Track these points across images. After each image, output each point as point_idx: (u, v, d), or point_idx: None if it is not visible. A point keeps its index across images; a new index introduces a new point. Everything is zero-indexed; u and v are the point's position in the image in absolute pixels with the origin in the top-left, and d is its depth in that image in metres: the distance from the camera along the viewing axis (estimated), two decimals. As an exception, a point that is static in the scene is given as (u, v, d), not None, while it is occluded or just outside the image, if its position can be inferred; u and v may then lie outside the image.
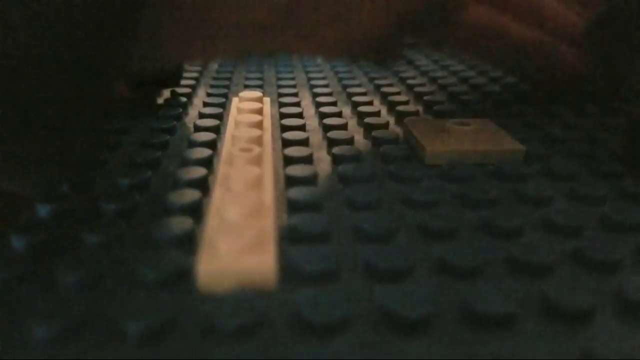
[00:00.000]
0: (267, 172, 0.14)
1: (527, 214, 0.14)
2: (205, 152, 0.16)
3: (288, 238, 0.12)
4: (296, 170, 0.15)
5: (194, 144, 0.18)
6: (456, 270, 0.11)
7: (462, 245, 0.12)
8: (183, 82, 0.26)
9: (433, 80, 0.28)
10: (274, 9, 0.16)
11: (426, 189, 0.14)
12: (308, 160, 0.16)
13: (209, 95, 0.24)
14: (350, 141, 0.18)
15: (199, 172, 0.15)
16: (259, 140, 0.16)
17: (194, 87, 0.26)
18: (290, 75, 0.28)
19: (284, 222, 0.13)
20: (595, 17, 0.17)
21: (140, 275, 0.10)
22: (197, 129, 0.19)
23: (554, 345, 0.09)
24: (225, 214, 0.12)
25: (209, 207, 0.12)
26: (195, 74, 0.28)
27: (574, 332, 0.10)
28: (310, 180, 0.15)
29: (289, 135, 0.18)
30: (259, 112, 0.19)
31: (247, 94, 0.20)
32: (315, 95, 0.24)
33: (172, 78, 0.23)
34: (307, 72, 0.29)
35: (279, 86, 0.26)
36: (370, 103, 0.23)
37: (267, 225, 0.11)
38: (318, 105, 0.23)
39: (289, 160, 0.16)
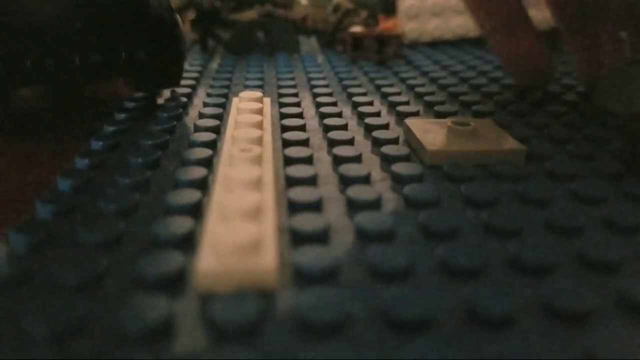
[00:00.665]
0: (267, 172, 0.14)
1: (528, 214, 0.14)
2: (205, 152, 0.16)
3: (288, 238, 0.12)
4: (296, 170, 0.15)
5: (194, 144, 0.18)
6: (457, 270, 0.11)
7: (463, 246, 0.12)
8: (183, 82, 0.26)
9: (433, 80, 0.28)
10: None
11: (427, 189, 0.14)
12: (308, 160, 0.16)
13: (209, 95, 0.24)
14: (350, 141, 0.18)
15: (199, 172, 0.15)
16: (259, 141, 0.16)
17: (194, 87, 0.26)
18: (291, 76, 0.28)
19: (284, 223, 0.13)
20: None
21: (140, 275, 0.10)
22: (197, 129, 0.19)
23: (556, 345, 0.09)
24: (225, 214, 0.12)
25: (209, 207, 0.12)
26: (195, 74, 0.28)
27: (575, 333, 0.09)
28: (311, 180, 0.15)
29: (289, 135, 0.18)
30: (259, 112, 0.19)
31: (247, 94, 0.20)
32: (315, 95, 0.24)
33: (172, 78, 0.23)
34: (307, 73, 0.29)
35: (279, 86, 0.26)
36: (370, 103, 0.23)
37: (267, 225, 0.11)
38: (318, 105, 0.23)
39: (289, 161, 0.16)
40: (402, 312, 0.09)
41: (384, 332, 0.09)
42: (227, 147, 0.16)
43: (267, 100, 0.21)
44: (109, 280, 0.11)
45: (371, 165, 0.17)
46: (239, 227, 0.11)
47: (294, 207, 0.13)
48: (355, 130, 0.20)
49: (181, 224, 0.12)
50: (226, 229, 0.11)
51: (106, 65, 0.20)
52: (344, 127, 0.20)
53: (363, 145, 0.18)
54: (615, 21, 0.22)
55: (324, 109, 0.21)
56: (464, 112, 0.23)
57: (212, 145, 0.18)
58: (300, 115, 0.21)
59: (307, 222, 0.12)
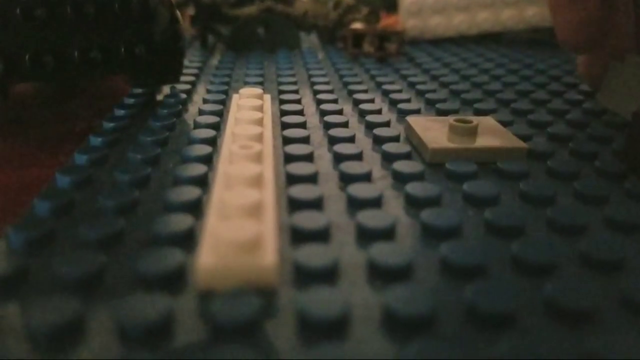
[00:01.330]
0: (268, 169, 0.14)
1: (530, 212, 0.14)
2: (205, 149, 0.16)
3: (288, 236, 0.12)
4: (297, 168, 0.15)
5: (193, 141, 0.17)
6: (458, 269, 0.11)
7: (464, 244, 0.11)
8: (183, 78, 0.26)
9: (435, 77, 0.28)
10: None
11: (428, 187, 0.14)
12: (309, 158, 0.16)
13: (208, 91, 0.24)
14: (351, 139, 0.18)
15: (199, 169, 0.15)
16: (259, 138, 0.16)
17: (193, 84, 0.25)
18: (291, 72, 0.28)
19: (284, 220, 0.13)
20: None
21: (139, 273, 0.10)
22: (197, 125, 0.19)
23: (558, 345, 0.09)
24: (225, 211, 0.12)
25: (209, 204, 0.12)
26: (195, 70, 0.28)
27: (577, 332, 0.09)
28: (311, 178, 0.15)
29: (290, 132, 0.18)
30: (260, 109, 0.19)
31: (247, 90, 0.20)
32: (316, 92, 0.24)
33: (172, 74, 0.23)
34: (307, 69, 0.29)
35: (280, 83, 0.26)
36: (371, 101, 0.23)
37: (268, 223, 0.11)
38: (319, 102, 0.22)
39: (289, 158, 0.16)
40: (403, 311, 0.09)
41: (384, 331, 0.09)
42: (227, 144, 0.16)
43: (267, 97, 0.21)
44: (108, 278, 0.11)
45: (372, 162, 0.17)
46: (239, 224, 0.11)
47: (294, 205, 0.13)
48: (356, 128, 0.20)
49: (181, 221, 0.12)
50: (226, 227, 0.11)
51: (106, 61, 0.20)
52: (345, 125, 0.19)
53: (364, 143, 0.18)
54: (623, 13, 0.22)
55: (324, 106, 0.21)
56: (465, 110, 0.22)
57: (212, 142, 0.18)
58: (300, 113, 0.21)
59: (307, 219, 0.12)
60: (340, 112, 0.21)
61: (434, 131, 0.18)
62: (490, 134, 0.18)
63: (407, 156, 0.17)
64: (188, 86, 0.24)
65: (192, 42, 0.37)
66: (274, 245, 0.11)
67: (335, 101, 0.22)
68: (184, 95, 0.23)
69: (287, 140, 0.18)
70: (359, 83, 0.26)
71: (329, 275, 0.11)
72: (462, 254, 0.11)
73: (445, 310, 0.10)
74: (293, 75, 0.27)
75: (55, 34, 0.19)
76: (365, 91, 0.24)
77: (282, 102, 0.22)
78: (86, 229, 0.12)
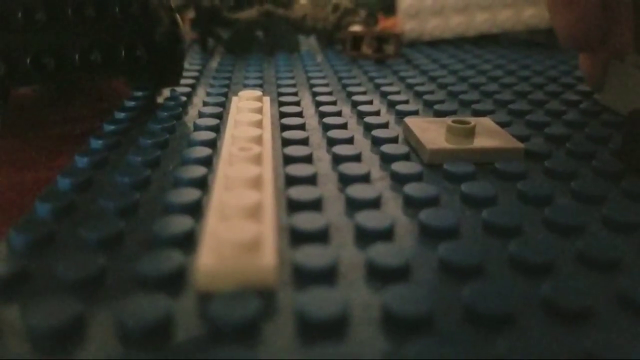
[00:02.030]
0: (267, 171, 0.14)
1: (528, 212, 0.14)
2: (204, 151, 0.16)
3: (288, 237, 0.12)
4: (296, 169, 0.15)
5: (193, 143, 0.18)
6: (457, 269, 0.11)
7: (462, 244, 0.12)
8: (183, 81, 0.26)
9: (433, 79, 0.28)
10: None
11: (426, 188, 0.14)
12: (308, 159, 0.16)
13: (208, 94, 0.24)
14: (350, 140, 0.18)
15: (199, 171, 0.15)
16: (258, 140, 0.16)
17: (193, 86, 0.26)
18: (290, 75, 0.28)
19: (283, 222, 0.13)
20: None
21: (140, 274, 0.10)
22: (197, 128, 0.19)
23: (555, 344, 0.09)
24: (225, 213, 0.12)
25: (209, 206, 0.12)
26: (195, 73, 0.28)
27: (575, 332, 0.09)
28: (310, 179, 0.15)
29: (289, 134, 0.18)
30: (259, 111, 0.19)
31: (246, 93, 0.20)
32: (315, 94, 0.24)
33: (172, 77, 0.23)
34: (306, 72, 0.29)
35: (279, 85, 0.26)
36: (370, 102, 0.23)
37: (267, 224, 0.11)
38: (318, 104, 0.23)
39: (288, 160, 0.16)
40: (402, 311, 0.09)
41: (383, 331, 0.09)
42: (227, 146, 0.16)
43: (266, 99, 0.21)
44: (109, 279, 0.11)
45: (371, 164, 0.17)
46: (238, 225, 0.11)
47: (294, 206, 0.13)
48: (354, 129, 0.20)
49: (181, 223, 0.12)
50: (226, 228, 0.11)
51: (106, 64, 0.20)
52: (344, 126, 0.20)
53: (362, 144, 0.18)
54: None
55: (323, 108, 0.21)
56: (463, 111, 0.23)
57: (212, 144, 0.18)
58: (299, 114, 0.21)
59: (306, 221, 0.12)
60: (339, 113, 0.21)
61: (432, 132, 0.18)
62: (488, 134, 0.18)
63: (405, 157, 0.17)
64: (188, 89, 0.24)
65: (192, 45, 0.37)
66: (274, 246, 0.11)
67: (334, 103, 0.23)
68: (184, 98, 0.23)
69: (286, 142, 0.18)
70: (358, 85, 0.26)
71: (328, 275, 0.11)
72: (461, 254, 0.11)
73: (444, 310, 0.10)
74: (292, 78, 0.27)
75: (56, 37, 0.19)
76: (364, 93, 0.24)
77: (281, 104, 0.23)
78: (87, 231, 0.12)
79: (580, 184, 0.15)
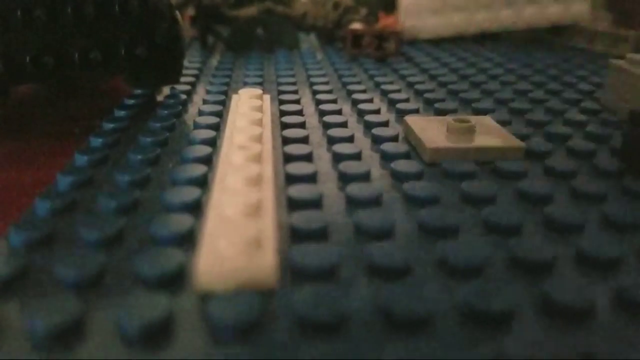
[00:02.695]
0: (267, 169, 0.14)
1: (528, 211, 0.14)
2: (204, 150, 0.16)
3: (288, 236, 0.12)
4: (296, 167, 0.15)
5: (193, 142, 0.18)
6: (456, 268, 0.11)
7: (462, 243, 0.12)
8: (183, 79, 0.26)
9: (433, 77, 0.28)
10: None
11: (426, 187, 0.14)
12: (308, 157, 0.16)
13: (208, 92, 0.24)
14: (350, 139, 0.18)
15: (199, 169, 0.15)
16: (258, 138, 0.16)
17: (193, 85, 0.25)
18: (290, 73, 0.28)
19: (283, 220, 0.13)
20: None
21: (139, 273, 0.10)
22: (197, 126, 0.19)
23: (555, 344, 0.09)
24: (225, 211, 0.12)
25: (209, 204, 0.12)
26: (194, 71, 0.28)
27: (574, 331, 0.09)
28: (310, 178, 0.15)
29: (289, 132, 0.18)
30: (259, 109, 0.19)
31: (246, 91, 0.20)
32: (315, 92, 0.24)
33: (172, 75, 0.23)
34: (307, 70, 0.29)
35: (279, 83, 0.26)
36: (370, 101, 0.23)
37: (267, 223, 0.11)
38: (318, 102, 0.22)
39: (288, 158, 0.16)
40: (401, 311, 0.09)
41: (383, 330, 0.09)
42: (227, 144, 0.16)
43: (266, 97, 0.21)
44: (108, 278, 0.11)
45: (371, 162, 0.17)
46: (238, 224, 0.11)
47: (294, 205, 0.13)
48: (354, 128, 0.20)
49: (181, 222, 0.12)
50: (226, 227, 0.11)
51: (106, 62, 0.20)
52: (344, 125, 0.20)
53: (363, 143, 0.18)
54: None
55: (323, 107, 0.21)
56: (463, 110, 0.23)
57: (212, 142, 0.18)
58: (299, 113, 0.21)
59: (306, 219, 0.12)
60: (339, 112, 0.21)
61: (432, 131, 0.18)
62: (488, 133, 0.18)
63: (405, 156, 0.17)
64: (188, 87, 0.24)
65: (191, 43, 0.37)
66: (274, 245, 0.11)
67: (334, 101, 0.22)
68: (183, 96, 0.23)
69: (286, 140, 0.18)
70: (358, 83, 0.26)
71: (327, 274, 0.11)
72: (460, 253, 0.11)
73: (443, 309, 0.10)
74: (292, 76, 0.27)
75: (56, 35, 0.19)
76: (364, 91, 0.24)
77: (281, 102, 0.23)
78: (86, 229, 0.12)
79: (580, 183, 0.15)
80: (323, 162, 0.16)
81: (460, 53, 0.35)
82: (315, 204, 0.13)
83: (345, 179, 0.15)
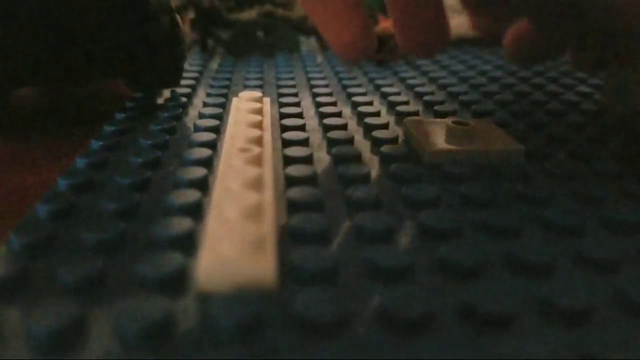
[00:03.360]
0: (267, 172, 0.14)
1: (527, 213, 0.14)
2: (205, 152, 0.16)
3: (288, 238, 0.12)
4: (296, 170, 0.15)
5: (193, 144, 0.18)
6: (456, 270, 0.11)
7: (462, 245, 0.12)
8: (183, 82, 0.26)
9: (433, 80, 0.28)
10: None
11: (426, 189, 0.14)
12: (308, 160, 0.16)
13: (208, 95, 0.24)
14: (350, 141, 0.18)
15: (199, 172, 0.15)
16: (258, 141, 0.16)
17: (193, 87, 0.26)
18: (290, 76, 0.28)
19: (283, 223, 0.13)
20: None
21: (140, 276, 0.10)
22: (197, 129, 0.19)
23: (554, 345, 0.09)
24: (225, 214, 0.12)
25: (209, 207, 0.12)
26: (195, 74, 0.28)
27: (574, 332, 0.09)
28: (310, 180, 0.15)
29: (289, 135, 0.18)
30: (259, 112, 0.19)
31: (247, 94, 0.20)
32: (315, 95, 0.24)
33: (172, 78, 0.23)
34: (307, 72, 0.29)
35: (279, 86, 0.26)
36: (370, 103, 0.23)
37: (267, 225, 0.11)
38: (318, 105, 0.23)
39: (288, 161, 0.16)
40: (401, 312, 0.09)
41: (383, 332, 0.09)
42: (227, 147, 0.16)
43: (266, 100, 0.21)
44: (109, 281, 0.11)
45: (371, 164, 0.17)
46: (238, 226, 0.11)
47: (294, 207, 0.13)
48: (354, 130, 0.20)
49: (181, 224, 0.12)
50: (226, 229, 0.11)
51: (106, 65, 0.20)
52: (344, 127, 0.20)
53: (363, 145, 0.18)
54: None
55: (323, 109, 0.21)
56: (463, 112, 0.23)
57: (212, 145, 0.18)
58: (299, 115, 0.21)
59: (306, 221, 0.12)
60: (339, 114, 0.21)
61: (432, 133, 0.18)
62: (488, 135, 0.18)
63: (405, 158, 0.17)
64: (188, 90, 0.24)
65: (192, 46, 0.37)
66: (274, 247, 0.11)
67: (334, 104, 0.23)
68: (184, 99, 0.23)
69: (286, 143, 0.18)
70: (358, 86, 0.26)
71: (327, 276, 0.11)
72: (460, 255, 0.11)
73: (444, 311, 0.10)
74: (292, 79, 0.27)
75: (56, 39, 0.19)
76: (364, 94, 0.24)
77: (281, 105, 0.23)
78: (87, 232, 0.12)
79: (580, 185, 0.15)
80: (323, 165, 0.16)
81: (460, 55, 0.35)
82: (315, 206, 0.13)
83: (345, 181, 0.15)
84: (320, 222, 0.12)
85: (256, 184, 0.13)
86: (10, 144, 0.19)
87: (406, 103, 0.23)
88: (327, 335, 0.09)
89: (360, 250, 0.12)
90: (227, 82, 0.26)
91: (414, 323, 0.09)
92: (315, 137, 0.19)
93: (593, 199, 0.14)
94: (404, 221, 0.13)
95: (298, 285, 0.11)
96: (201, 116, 0.21)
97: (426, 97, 0.24)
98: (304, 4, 0.18)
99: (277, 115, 0.21)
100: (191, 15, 0.37)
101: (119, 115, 0.21)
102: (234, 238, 0.11)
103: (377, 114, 0.21)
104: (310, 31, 0.39)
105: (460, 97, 0.24)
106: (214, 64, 0.32)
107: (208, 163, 0.16)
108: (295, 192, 0.14)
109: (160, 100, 0.23)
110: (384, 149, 0.17)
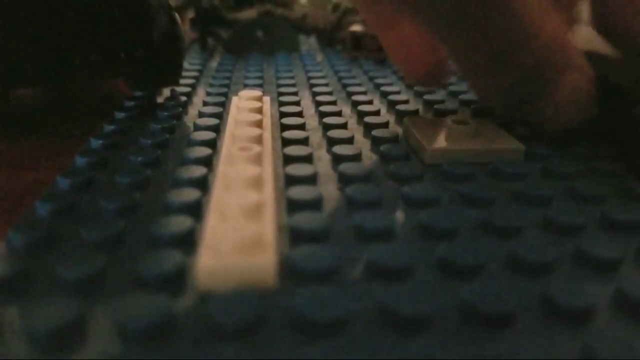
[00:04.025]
0: (267, 171, 0.14)
1: (527, 213, 0.14)
2: (205, 151, 0.16)
3: (288, 237, 0.12)
4: (296, 169, 0.15)
5: (193, 143, 0.18)
6: (456, 269, 0.11)
7: (462, 245, 0.12)
8: (183, 81, 0.26)
9: (433, 79, 0.28)
10: None
11: (426, 188, 0.14)
12: (308, 159, 0.16)
13: (208, 94, 0.24)
14: (350, 140, 0.18)
15: (199, 171, 0.15)
16: (258, 139, 0.16)
17: (193, 86, 0.26)
18: (290, 75, 0.28)
19: (283, 221, 0.13)
20: None
21: (140, 274, 0.10)
22: (197, 128, 0.19)
23: (554, 344, 0.09)
24: (225, 212, 0.12)
25: (209, 206, 0.12)
26: (194, 73, 0.28)
27: (574, 332, 0.09)
28: (310, 179, 0.15)
29: (289, 134, 0.18)
30: (259, 111, 0.19)
31: (246, 93, 0.20)
32: (315, 94, 0.24)
33: (172, 77, 0.23)
34: (306, 71, 0.29)
35: (279, 85, 0.26)
36: (370, 102, 0.23)
37: (267, 224, 0.11)
38: (318, 104, 0.23)
39: (288, 159, 0.16)
40: (401, 311, 0.09)
41: (383, 331, 0.09)
42: (227, 145, 0.16)
43: (266, 99, 0.21)
44: (109, 279, 0.11)
45: (371, 163, 0.17)
46: (238, 225, 0.11)
47: (294, 206, 0.13)
48: (354, 129, 0.20)
49: (181, 223, 0.12)
50: (226, 228, 0.11)
51: (105, 64, 0.20)
52: (344, 126, 0.20)
53: (362, 144, 0.18)
54: None
55: (323, 108, 0.21)
56: (463, 111, 0.23)
57: (212, 144, 0.18)
58: (299, 114, 0.21)
59: (306, 220, 0.12)
60: (339, 113, 0.21)
61: (432, 132, 0.18)
62: (489, 135, 0.18)
63: (405, 157, 0.17)
64: (188, 89, 0.24)
65: (191, 45, 0.37)
66: (274, 245, 0.11)
67: (334, 103, 0.23)
68: (183, 98, 0.23)
69: (286, 142, 0.18)
70: (358, 85, 0.26)
71: (327, 275, 0.11)
72: (460, 254, 0.11)
73: (444, 310, 0.10)
74: (292, 78, 0.27)
75: (55, 38, 0.19)
76: (364, 93, 0.24)
77: (281, 104, 0.23)
78: (87, 231, 0.12)
79: (579, 184, 0.15)
80: (323, 164, 0.16)
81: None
82: (315, 205, 0.13)
83: (345, 180, 0.15)
84: (320, 221, 0.12)
85: (256, 183, 0.13)
86: (10, 143, 0.19)
87: (406, 102, 0.23)
88: (327, 335, 0.09)
89: (360, 249, 0.12)
90: (227, 81, 0.26)
91: (414, 322, 0.09)
92: (315, 136, 0.19)
93: (593, 198, 0.14)
94: (404, 220, 0.13)
95: (298, 284, 0.11)
96: (201, 115, 0.21)
97: (426, 96, 0.24)
98: (383, 41, 0.20)
99: (277, 114, 0.21)
100: (191, 14, 0.37)
101: (119, 114, 0.21)
102: (234, 237, 0.11)
103: (377, 113, 0.21)
104: (310, 30, 0.39)
105: (461, 96, 0.24)
106: (214, 63, 0.32)
107: (208, 162, 0.16)
108: (295, 191, 0.14)
109: (160, 99, 0.23)
110: (384, 148, 0.17)
